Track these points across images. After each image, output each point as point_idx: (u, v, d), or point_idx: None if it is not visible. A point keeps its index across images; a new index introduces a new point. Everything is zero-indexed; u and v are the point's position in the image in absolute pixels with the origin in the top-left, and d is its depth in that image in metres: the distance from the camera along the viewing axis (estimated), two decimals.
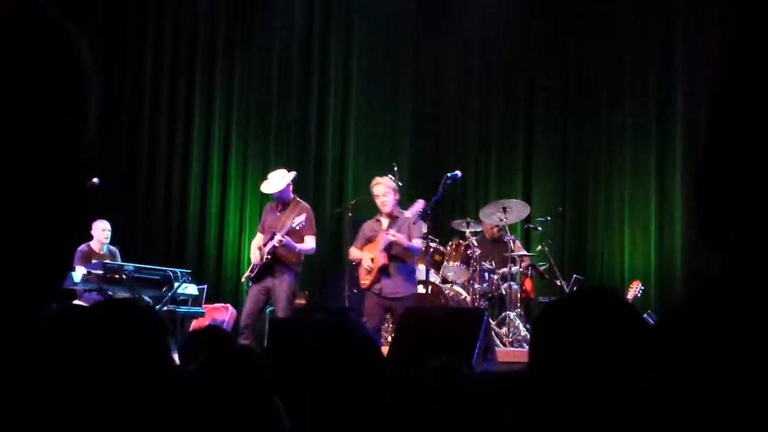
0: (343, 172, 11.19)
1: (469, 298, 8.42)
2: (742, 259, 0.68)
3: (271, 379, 2.49)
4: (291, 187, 8.05)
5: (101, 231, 8.82)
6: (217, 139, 11.20)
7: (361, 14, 11.29)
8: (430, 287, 7.74)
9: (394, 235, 7.47)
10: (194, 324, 8.61)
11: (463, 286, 8.54)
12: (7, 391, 0.67)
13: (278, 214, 7.96)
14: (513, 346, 7.99)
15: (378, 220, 7.77)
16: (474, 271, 8.51)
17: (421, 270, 7.78)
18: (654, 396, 0.65)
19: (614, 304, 1.79)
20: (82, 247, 8.65)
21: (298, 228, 7.75)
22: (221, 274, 10.85)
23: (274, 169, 8.50)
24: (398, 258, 7.58)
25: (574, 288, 8.64)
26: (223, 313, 9.48)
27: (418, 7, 11.26)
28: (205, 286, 9.48)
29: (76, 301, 7.82)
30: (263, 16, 11.32)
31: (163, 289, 8.30)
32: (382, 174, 7.94)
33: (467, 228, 8.87)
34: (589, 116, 10.63)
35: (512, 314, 8.31)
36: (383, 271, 7.56)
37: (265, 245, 7.82)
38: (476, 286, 8.48)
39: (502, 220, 8.72)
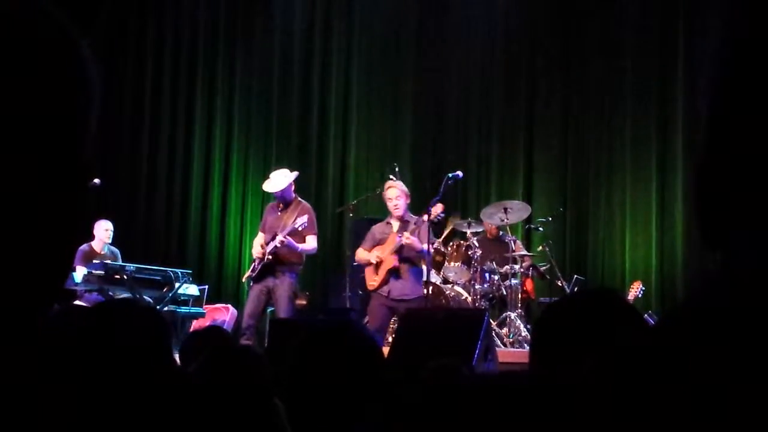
0: (344, 172, 11.19)
1: (469, 299, 8.41)
2: (742, 259, 0.68)
3: (272, 379, 2.49)
4: (293, 187, 8.05)
5: (104, 231, 8.82)
6: (218, 139, 11.21)
7: (362, 14, 11.30)
8: (431, 288, 7.74)
9: (408, 238, 7.47)
10: (195, 324, 8.60)
11: (464, 287, 8.53)
12: (8, 392, 0.67)
13: (279, 213, 7.95)
14: (514, 347, 7.98)
15: (388, 223, 7.77)
16: (475, 271, 8.50)
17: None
18: (654, 396, 0.65)
19: (615, 304, 1.79)
20: (84, 246, 8.64)
21: (300, 229, 7.74)
22: (222, 275, 10.86)
23: (276, 169, 8.50)
24: (409, 260, 7.61)
25: (575, 288, 8.63)
26: (223, 314, 9.48)
27: (419, 6, 11.25)
28: (206, 286, 9.48)
29: (76, 302, 7.81)
30: (264, 17, 11.33)
31: (164, 290, 8.31)
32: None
33: (468, 228, 8.86)
34: (590, 116, 10.62)
35: (513, 315, 8.30)
36: (393, 273, 7.57)
37: (266, 245, 7.81)
38: (477, 286, 8.47)
39: (503, 220, 8.71)
